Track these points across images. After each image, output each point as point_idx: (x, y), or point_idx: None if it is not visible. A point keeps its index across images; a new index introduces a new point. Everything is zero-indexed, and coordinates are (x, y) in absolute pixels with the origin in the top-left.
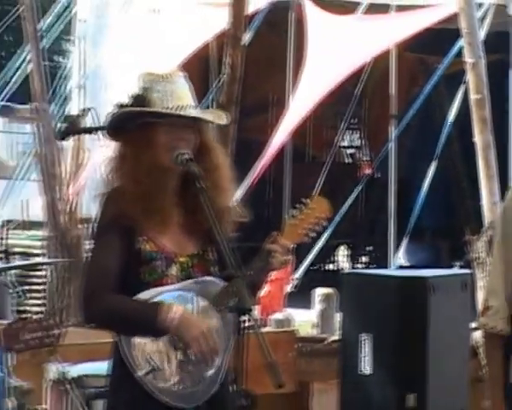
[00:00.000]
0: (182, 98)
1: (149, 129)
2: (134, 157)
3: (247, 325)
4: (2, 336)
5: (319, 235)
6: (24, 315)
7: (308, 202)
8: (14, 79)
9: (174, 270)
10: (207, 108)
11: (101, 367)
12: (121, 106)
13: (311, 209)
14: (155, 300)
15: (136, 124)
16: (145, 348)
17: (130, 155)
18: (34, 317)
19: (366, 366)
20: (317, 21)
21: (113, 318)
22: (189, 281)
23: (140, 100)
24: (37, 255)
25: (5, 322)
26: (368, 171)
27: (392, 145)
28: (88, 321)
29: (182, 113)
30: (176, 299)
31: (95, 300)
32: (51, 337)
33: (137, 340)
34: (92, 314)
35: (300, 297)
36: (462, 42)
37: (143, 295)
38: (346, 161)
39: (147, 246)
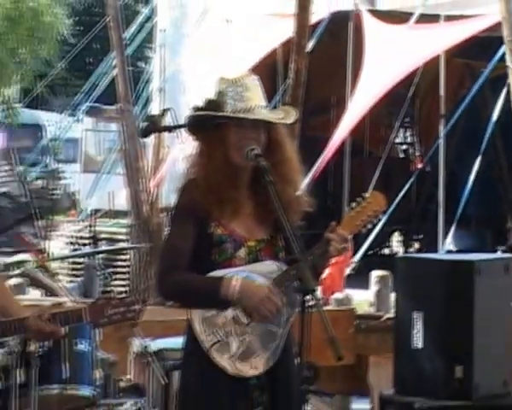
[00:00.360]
0: (251, 99)
1: (221, 129)
2: (208, 154)
3: (310, 303)
4: (88, 312)
5: (375, 223)
6: (109, 295)
7: (366, 196)
8: (101, 83)
9: (242, 252)
10: (274, 108)
11: (179, 342)
12: (197, 109)
13: (368, 203)
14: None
15: (210, 124)
16: (211, 322)
17: (205, 152)
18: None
19: (418, 341)
20: (374, 30)
21: (182, 292)
22: (255, 264)
23: (213, 103)
24: (122, 241)
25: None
26: (419, 165)
27: (441, 142)
28: (161, 295)
29: (247, 115)
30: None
31: (167, 276)
32: (132, 312)
33: (205, 315)
34: (165, 289)
35: (358, 279)
36: (504, 48)
37: (211, 275)
38: (400, 156)
39: (218, 230)
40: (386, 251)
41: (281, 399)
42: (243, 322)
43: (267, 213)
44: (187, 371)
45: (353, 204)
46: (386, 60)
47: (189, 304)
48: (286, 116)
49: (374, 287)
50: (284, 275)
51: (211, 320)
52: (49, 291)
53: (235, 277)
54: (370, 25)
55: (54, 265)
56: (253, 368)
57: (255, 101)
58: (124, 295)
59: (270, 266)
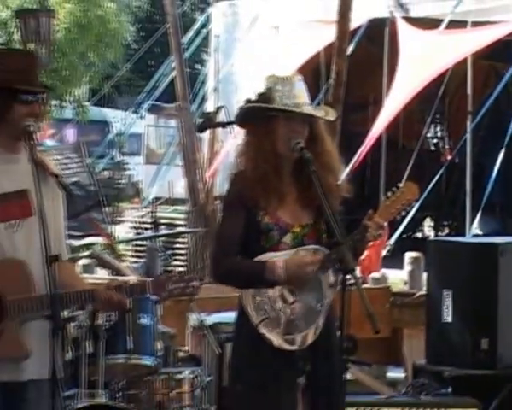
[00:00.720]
0: (298, 97)
1: (270, 122)
2: (256, 145)
3: (350, 282)
4: (151, 285)
5: (408, 210)
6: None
7: (400, 186)
8: (161, 84)
9: (288, 238)
10: (318, 105)
11: (232, 316)
12: (248, 101)
13: (402, 192)
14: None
15: (259, 117)
16: (260, 299)
17: (253, 144)
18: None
19: (447, 315)
20: (408, 35)
21: (233, 276)
22: (299, 248)
23: (263, 97)
24: (180, 226)
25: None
26: (449, 157)
27: (468, 136)
28: (215, 279)
29: (297, 109)
30: None
31: (220, 262)
32: (191, 288)
33: (254, 293)
34: (218, 272)
35: (394, 260)
36: None
37: (259, 258)
38: (431, 148)
39: (265, 218)
40: (419, 235)
41: (322, 368)
42: (289, 300)
43: (310, 199)
44: (238, 343)
45: (389, 194)
46: (419, 62)
47: (239, 286)
48: (327, 114)
49: (407, 267)
50: (325, 258)
51: (259, 298)
52: (116, 271)
53: (277, 260)
54: (404, 30)
55: (119, 247)
56: (297, 342)
57: (301, 98)
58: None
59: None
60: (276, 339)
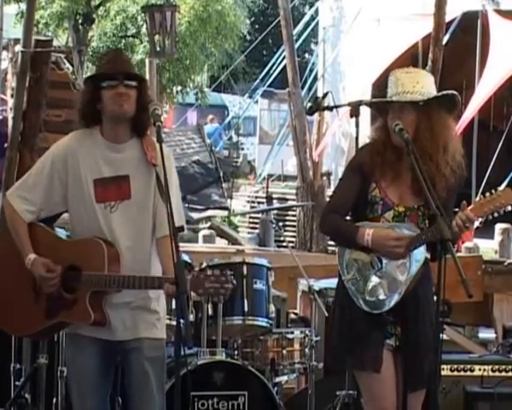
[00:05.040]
0: (400, 86)
1: (381, 114)
2: (374, 136)
3: (445, 251)
4: (191, 283)
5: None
6: (281, 244)
7: (498, 189)
8: (274, 71)
9: (389, 215)
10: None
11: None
12: (367, 101)
13: (498, 196)
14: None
15: (377, 111)
16: (352, 263)
17: (372, 133)
18: (290, 245)
19: None
20: (498, 26)
21: (332, 231)
22: (396, 223)
23: (379, 97)
24: (291, 200)
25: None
26: None
27: None
28: (320, 229)
29: (388, 99)
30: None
31: (327, 216)
32: (224, 289)
33: (349, 256)
34: (322, 225)
35: (485, 230)
36: None
37: (359, 224)
38: None
39: (375, 191)
40: (509, 207)
41: (411, 332)
42: (376, 267)
43: (421, 187)
44: (334, 302)
45: (487, 194)
46: (509, 50)
47: (337, 242)
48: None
49: (498, 237)
50: (416, 238)
51: (352, 261)
52: (232, 241)
53: (368, 228)
54: (495, 22)
55: (236, 219)
56: (379, 306)
57: (406, 87)
58: (291, 244)
59: (407, 229)
60: (358, 300)
